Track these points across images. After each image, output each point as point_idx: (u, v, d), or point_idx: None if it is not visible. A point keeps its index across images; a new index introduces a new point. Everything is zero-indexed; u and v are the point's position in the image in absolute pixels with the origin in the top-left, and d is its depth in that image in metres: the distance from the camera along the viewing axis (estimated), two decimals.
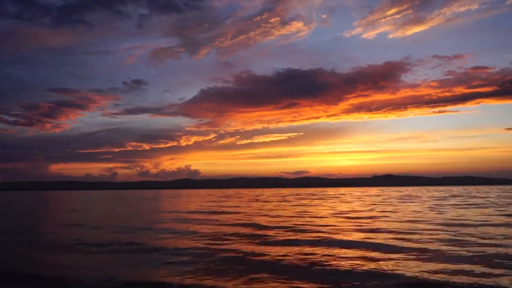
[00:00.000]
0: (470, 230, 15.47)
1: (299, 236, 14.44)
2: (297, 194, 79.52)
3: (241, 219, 22.00)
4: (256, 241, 13.55)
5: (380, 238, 13.57)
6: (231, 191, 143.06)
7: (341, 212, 26.08)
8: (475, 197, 49.69)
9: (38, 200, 65.81)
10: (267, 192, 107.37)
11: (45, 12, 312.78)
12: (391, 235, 14.23)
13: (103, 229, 17.99)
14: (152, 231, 16.92)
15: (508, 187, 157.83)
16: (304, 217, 22.93)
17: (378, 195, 63.20)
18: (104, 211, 33.13)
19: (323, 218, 21.79)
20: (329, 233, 15.19)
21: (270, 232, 15.74)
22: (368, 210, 27.88)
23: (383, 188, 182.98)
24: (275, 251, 11.36)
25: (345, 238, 13.84)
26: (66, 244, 13.28)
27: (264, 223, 19.33)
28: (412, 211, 26.51)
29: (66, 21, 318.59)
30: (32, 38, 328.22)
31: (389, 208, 29.54)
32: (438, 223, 18.09)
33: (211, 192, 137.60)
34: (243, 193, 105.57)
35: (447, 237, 13.69)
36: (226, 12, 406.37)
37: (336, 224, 18.56)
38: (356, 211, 27.07)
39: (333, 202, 41.18)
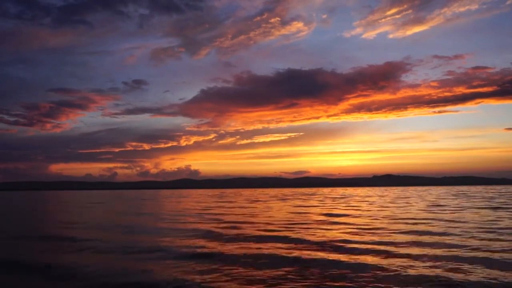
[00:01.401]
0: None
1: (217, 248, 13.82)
2: (270, 195, 78.91)
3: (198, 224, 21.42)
4: (157, 254, 11.80)
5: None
6: (230, 191, 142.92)
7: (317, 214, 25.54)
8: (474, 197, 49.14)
9: (20, 201, 65.36)
10: (256, 192, 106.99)
11: (46, 13, 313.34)
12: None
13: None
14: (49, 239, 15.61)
15: (508, 187, 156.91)
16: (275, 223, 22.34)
17: (367, 196, 62.68)
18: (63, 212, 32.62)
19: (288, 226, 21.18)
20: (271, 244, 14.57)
21: (200, 242, 14.27)
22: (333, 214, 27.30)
23: (381, 188, 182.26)
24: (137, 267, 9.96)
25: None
26: None
27: (217, 230, 18.58)
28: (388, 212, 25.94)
29: (67, 21, 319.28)
30: (32, 38, 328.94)
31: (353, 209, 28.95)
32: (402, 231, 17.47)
33: (209, 192, 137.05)
34: (242, 193, 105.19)
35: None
36: (226, 12, 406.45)
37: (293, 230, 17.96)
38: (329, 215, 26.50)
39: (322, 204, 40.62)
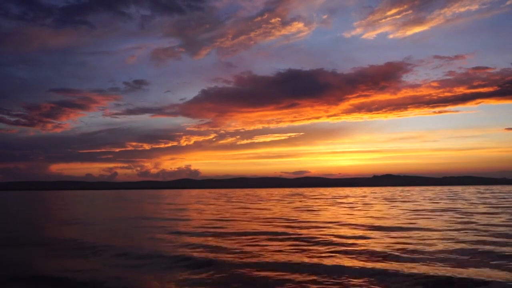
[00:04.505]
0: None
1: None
2: (255, 195, 78.67)
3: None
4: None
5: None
6: (229, 191, 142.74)
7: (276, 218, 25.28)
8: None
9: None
10: (245, 192, 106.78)
11: (48, 13, 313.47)
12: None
13: None
14: None
15: (506, 187, 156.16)
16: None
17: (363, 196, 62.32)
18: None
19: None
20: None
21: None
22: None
23: (378, 188, 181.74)
24: None
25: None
26: None
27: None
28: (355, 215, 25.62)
29: (68, 22, 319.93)
30: (34, 39, 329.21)
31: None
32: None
33: (207, 192, 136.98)
34: (236, 193, 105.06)
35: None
36: (227, 12, 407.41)
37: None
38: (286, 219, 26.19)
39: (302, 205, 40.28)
